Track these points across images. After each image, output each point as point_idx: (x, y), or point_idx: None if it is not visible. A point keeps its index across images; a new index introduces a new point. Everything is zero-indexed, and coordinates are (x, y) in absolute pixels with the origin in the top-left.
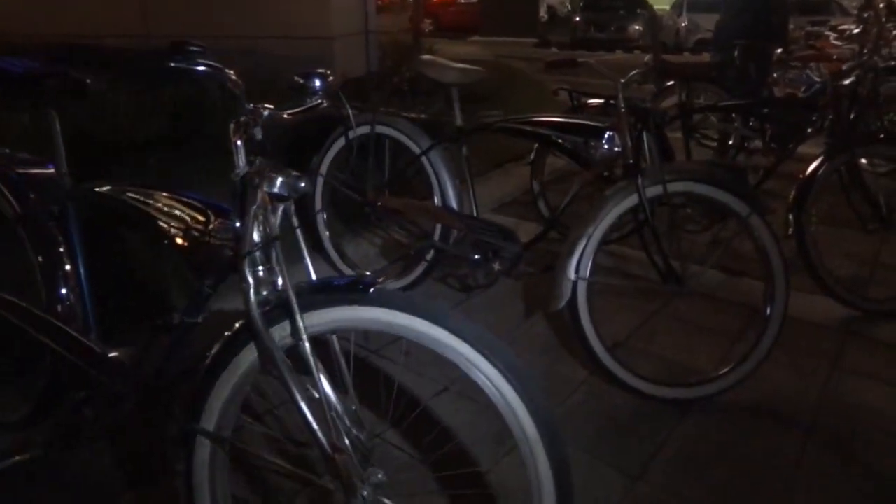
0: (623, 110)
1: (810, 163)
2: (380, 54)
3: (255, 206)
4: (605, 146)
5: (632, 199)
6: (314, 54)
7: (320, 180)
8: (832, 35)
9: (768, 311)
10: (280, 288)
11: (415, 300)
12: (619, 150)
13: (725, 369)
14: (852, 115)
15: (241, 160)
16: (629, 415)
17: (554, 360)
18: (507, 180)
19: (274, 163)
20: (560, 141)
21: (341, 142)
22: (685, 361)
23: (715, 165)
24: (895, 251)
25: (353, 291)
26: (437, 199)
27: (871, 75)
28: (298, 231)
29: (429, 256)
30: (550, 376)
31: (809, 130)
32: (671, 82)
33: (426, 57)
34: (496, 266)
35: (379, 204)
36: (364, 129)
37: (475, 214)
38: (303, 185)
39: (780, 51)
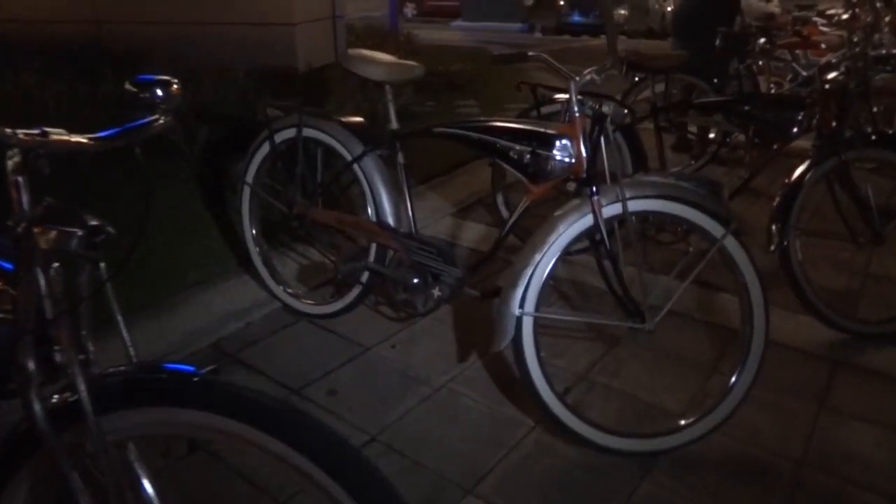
0: (577, 114)
1: (797, 159)
2: (351, 41)
3: (37, 268)
4: (557, 156)
5: (586, 221)
6: (274, 42)
7: (247, 190)
8: (820, 21)
9: (741, 362)
10: (73, 380)
11: (253, 397)
12: (573, 160)
13: (694, 417)
14: (842, 114)
15: (25, 203)
16: (584, 473)
17: (499, 401)
18: (468, 180)
19: (68, 207)
20: (503, 150)
21: (266, 147)
22: (650, 402)
23: (685, 178)
24: (888, 267)
25: (171, 386)
26: (370, 213)
27: (861, 64)
28: (110, 292)
29: (364, 278)
30: (494, 422)
31: (795, 131)
32: (644, 75)
33: (354, 51)
34: (436, 292)
35: (307, 218)
36: (290, 133)
37: (413, 231)
38: (102, 237)
39: (762, 41)
